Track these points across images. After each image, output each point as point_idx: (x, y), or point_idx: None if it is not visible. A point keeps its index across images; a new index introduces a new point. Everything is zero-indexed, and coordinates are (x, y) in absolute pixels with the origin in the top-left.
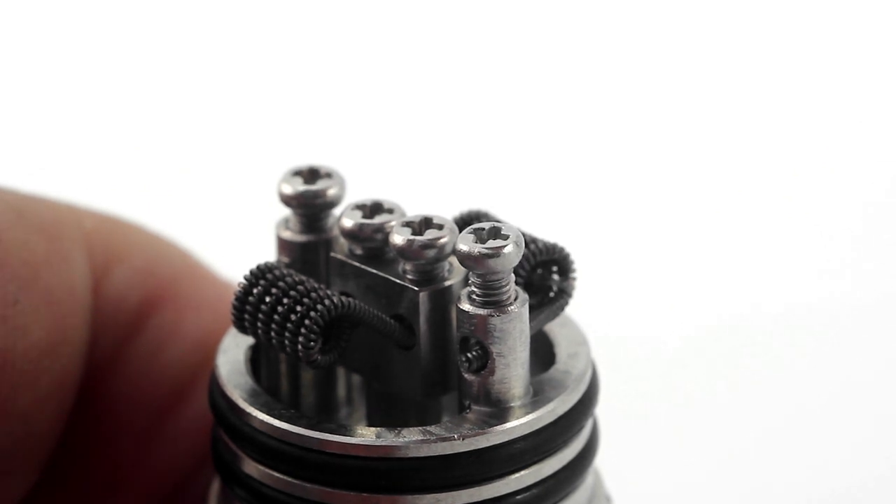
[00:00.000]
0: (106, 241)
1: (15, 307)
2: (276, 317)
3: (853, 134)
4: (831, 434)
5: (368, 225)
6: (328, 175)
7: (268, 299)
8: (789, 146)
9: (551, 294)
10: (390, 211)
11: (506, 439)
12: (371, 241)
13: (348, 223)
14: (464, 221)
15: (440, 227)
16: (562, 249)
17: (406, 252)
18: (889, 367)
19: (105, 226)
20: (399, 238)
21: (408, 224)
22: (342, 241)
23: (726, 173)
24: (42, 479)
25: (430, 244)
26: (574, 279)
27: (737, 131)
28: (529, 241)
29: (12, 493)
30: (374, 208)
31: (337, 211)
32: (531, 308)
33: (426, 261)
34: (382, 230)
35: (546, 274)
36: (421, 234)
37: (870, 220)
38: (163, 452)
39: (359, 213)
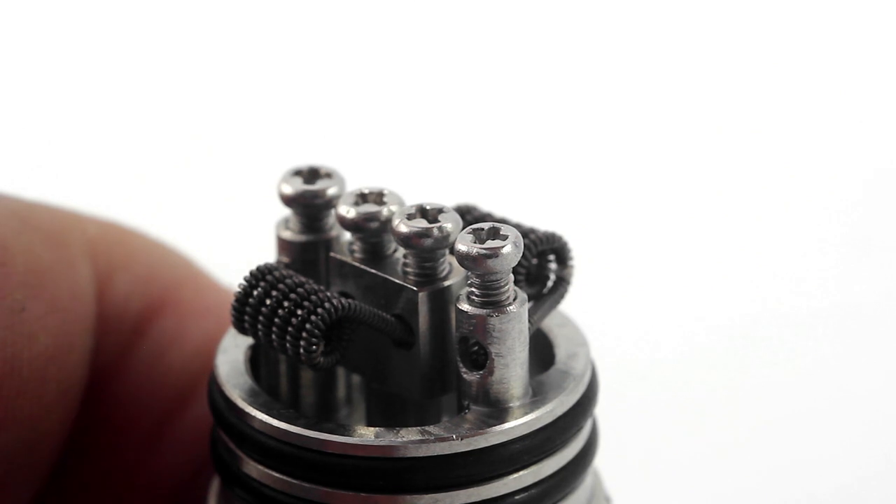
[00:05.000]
0: (109, 248)
1: (21, 314)
2: (276, 320)
3: (851, 136)
4: (831, 434)
5: (364, 214)
6: (328, 175)
7: (268, 301)
8: (789, 146)
9: (549, 283)
10: (383, 195)
11: (505, 439)
12: (367, 231)
13: (348, 213)
14: None
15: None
16: (560, 238)
17: (410, 240)
18: (890, 367)
19: (108, 232)
20: (404, 227)
21: (412, 214)
22: (342, 241)
23: (726, 167)
24: (47, 484)
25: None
26: (572, 266)
27: (734, 128)
28: (528, 232)
29: (19, 498)
30: (369, 197)
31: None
32: (530, 298)
33: (424, 248)
34: (378, 219)
35: (543, 263)
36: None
37: (871, 221)
38: (166, 456)
39: (353, 200)
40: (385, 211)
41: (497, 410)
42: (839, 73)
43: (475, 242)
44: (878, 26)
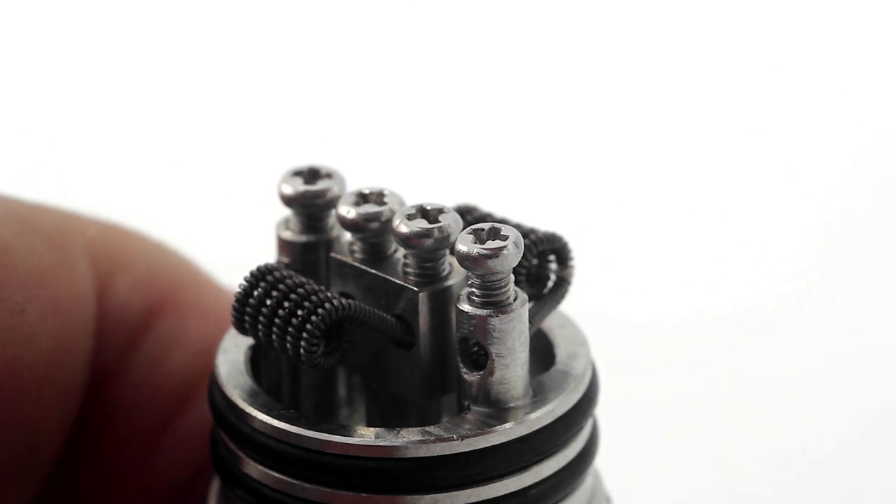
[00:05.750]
0: (109, 250)
1: (22, 316)
2: (277, 320)
3: (849, 135)
4: (832, 435)
5: (364, 214)
6: (328, 175)
7: (269, 302)
8: (788, 146)
9: (549, 283)
10: (383, 195)
11: (505, 440)
12: (367, 232)
13: (348, 213)
14: None
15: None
16: (560, 238)
17: (410, 240)
18: (887, 360)
19: (108, 234)
20: (404, 227)
21: (413, 214)
22: (342, 241)
23: (725, 168)
24: (47, 485)
25: (430, 232)
26: (572, 267)
27: (734, 128)
28: (528, 232)
29: (18, 499)
30: (370, 197)
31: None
32: (531, 298)
33: (425, 248)
34: (378, 219)
35: (543, 263)
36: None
37: (866, 217)
38: (166, 458)
39: (353, 200)
40: (386, 211)
41: (497, 411)
42: (837, 72)
43: (476, 243)
44: (875, 26)
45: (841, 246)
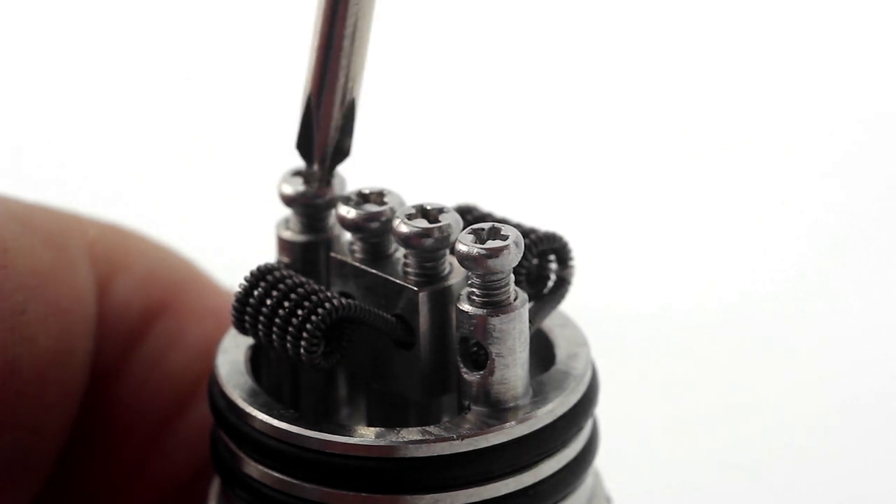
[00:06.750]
0: (109, 250)
1: (22, 316)
2: (277, 320)
3: (845, 136)
4: (837, 440)
5: (364, 214)
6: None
7: (269, 301)
8: (782, 141)
9: (549, 283)
10: (383, 195)
11: (505, 440)
12: (367, 231)
13: (348, 213)
14: None
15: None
16: (560, 238)
17: (410, 240)
18: (886, 357)
19: (108, 235)
20: (404, 227)
21: (413, 214)
22: (342, 241)
23: (724, 168)
24: (47, 485)
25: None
26: (572, 266)
27: (733, 128)
28: (528, 232)
29: (18, 499)
30: (370, 197)
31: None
32: (531, 298)
33: (425, 248)
34: (378, 219)
35: (543, 263)
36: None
37: (862, 213)
38: (166, 459)
39: (353, 200)
40: (386, 211)
41: (497, 411)
42: (836, 72)
43: (476, 242)
44: (874, 26)
45: (839, 243)
